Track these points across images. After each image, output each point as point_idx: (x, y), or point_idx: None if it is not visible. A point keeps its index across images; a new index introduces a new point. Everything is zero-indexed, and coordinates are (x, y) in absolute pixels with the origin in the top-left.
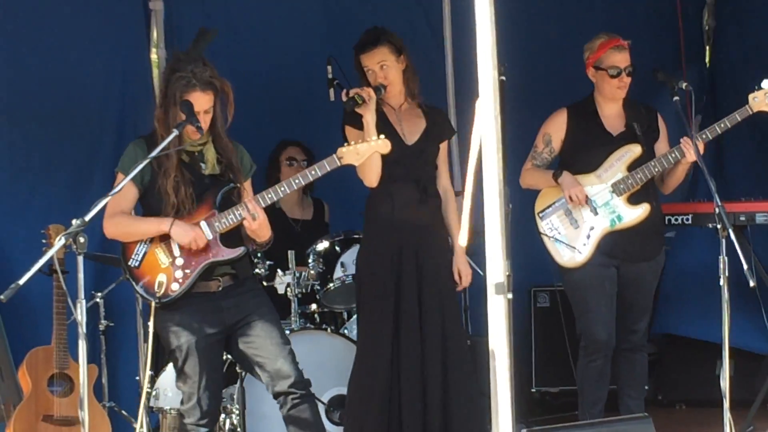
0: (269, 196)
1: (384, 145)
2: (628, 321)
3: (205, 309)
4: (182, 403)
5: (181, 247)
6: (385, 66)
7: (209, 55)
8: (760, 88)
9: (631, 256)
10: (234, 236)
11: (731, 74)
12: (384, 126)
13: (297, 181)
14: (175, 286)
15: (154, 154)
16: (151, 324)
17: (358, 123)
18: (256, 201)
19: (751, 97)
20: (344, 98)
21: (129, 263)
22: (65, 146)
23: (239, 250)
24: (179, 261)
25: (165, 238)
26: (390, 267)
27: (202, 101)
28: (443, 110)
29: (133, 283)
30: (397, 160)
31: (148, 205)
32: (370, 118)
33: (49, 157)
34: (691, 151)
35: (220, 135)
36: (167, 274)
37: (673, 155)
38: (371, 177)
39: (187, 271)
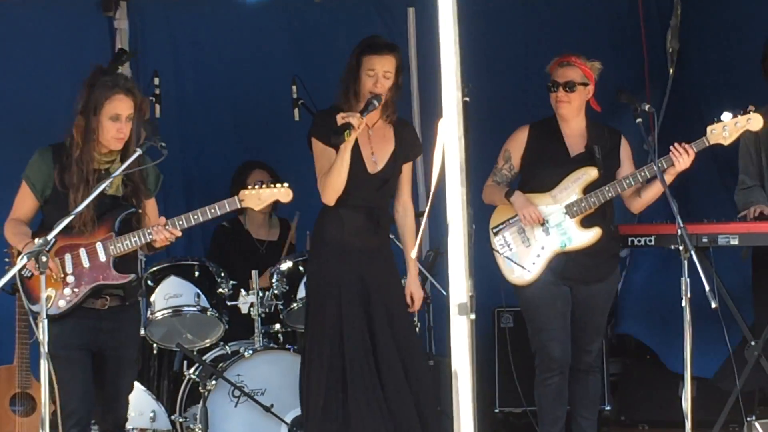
0: (180, 222)
1: (286, 194)
2: (581, 342)
3: (85, 325)
4: (55, 413)
5: (73, 265)
6: (388, 76)
7: (175, 73)
8: (719, 120)
9: (584, 277)
10: (126, 260)
11: (694, 96)
12: (352, 150)
13: (196, 217)
14: (62, 303)
15: (117, 173)
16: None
17: (325, 137)
18: (172, 225)
19: (709, 129)
20: (339, 122)
21: (22, 272)
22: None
23: (129, 277)
24: (70, 279)
25: (60, 254)
26: (335, 291)
27: (125, 105)
28: (411, 125)
29: (22, 294)
30: (357, 186)
31: (48, 215)
32: (349, 146)
33: (13, 176)
34: (682, 158)
35: (132, 155)
36: (56, 289)
37: (627, 181)
38: (330, 194)
39: (76, 290)
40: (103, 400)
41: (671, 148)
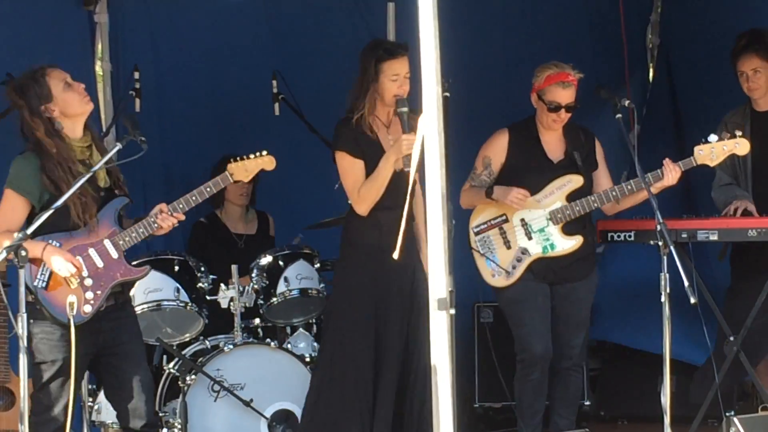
0: (180, 206)
1: (269, 162)
2: (564, 337)
3: (85, 328)
4: (35, 414)
5: (87, 267)
6: (408, 76)
7: (155, 67)
8: (706, 141)
9: (562, 278)
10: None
11: (674, 92)
12: (377, 150)
13: (194, 198)
14: (87, 308)
15: (97, 167)
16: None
17: (354, 149)
18: (174, 209)
19: (696, 149)
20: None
21: (35, 284)
22: (7, 159)
23: (146, 269)
24: (88, 282)
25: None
26: (371, 293)
27: (64, 74)
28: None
29: (43, 306)
30: (388, 187)
31: (45, 221)
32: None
33: None
34: (672, 174)
35: (99, 139)
36: (77, 295)
37: (614, 193)
38: (369, 205)
39: (98, 292)
40: (123, 401)
41: (664, 163)
